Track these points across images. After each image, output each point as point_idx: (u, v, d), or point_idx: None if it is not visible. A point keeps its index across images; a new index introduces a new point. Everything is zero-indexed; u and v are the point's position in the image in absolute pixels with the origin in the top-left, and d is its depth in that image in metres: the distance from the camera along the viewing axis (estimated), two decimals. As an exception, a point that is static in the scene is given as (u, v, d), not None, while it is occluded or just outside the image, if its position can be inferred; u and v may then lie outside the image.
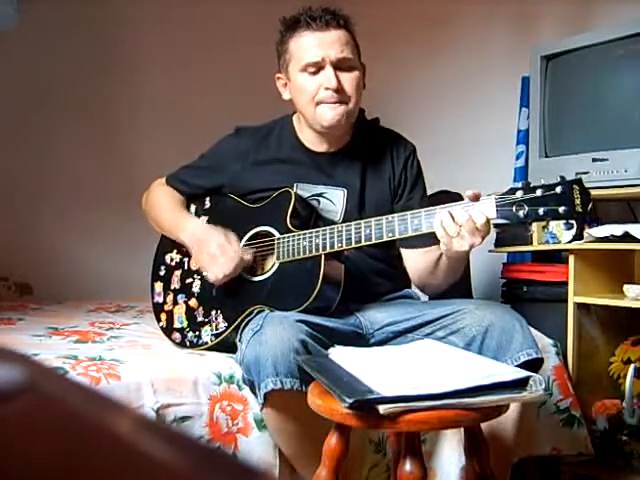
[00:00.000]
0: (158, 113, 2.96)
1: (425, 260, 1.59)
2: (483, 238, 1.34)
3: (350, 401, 1.04)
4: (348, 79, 1.58)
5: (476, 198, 1.33)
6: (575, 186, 1.26)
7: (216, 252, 1.59)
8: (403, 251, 1.67)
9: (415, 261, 1.64)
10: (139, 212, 1.90)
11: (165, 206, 1.79)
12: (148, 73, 2.96)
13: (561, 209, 1.26)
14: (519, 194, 1.29)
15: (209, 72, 3.02)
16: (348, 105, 1.59)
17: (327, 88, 1.56)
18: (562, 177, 1.28)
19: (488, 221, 1.32)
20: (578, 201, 1.26)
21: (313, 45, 1.57)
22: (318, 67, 1.57)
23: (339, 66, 1.57)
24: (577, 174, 1.91)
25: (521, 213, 1.28)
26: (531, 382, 1.12)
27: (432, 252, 1.56)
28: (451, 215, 1.33)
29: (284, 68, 1.65)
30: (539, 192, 1.27)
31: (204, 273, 1.66)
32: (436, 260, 1.55)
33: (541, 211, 1.27)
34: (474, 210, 1.32)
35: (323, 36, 1.57)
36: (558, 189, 1.26)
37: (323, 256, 1.50)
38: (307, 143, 1.69)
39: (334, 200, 1.66)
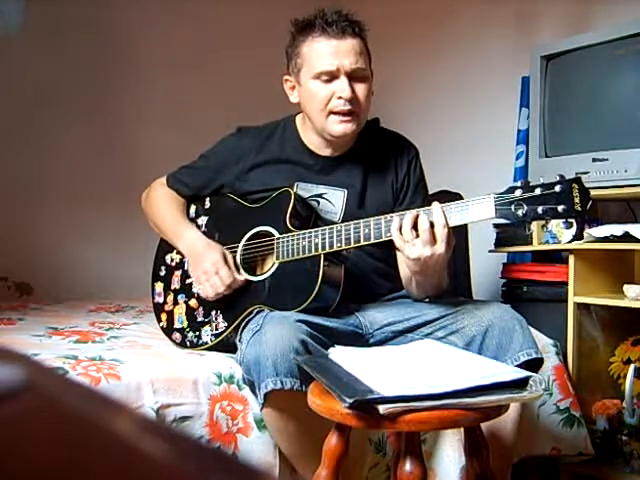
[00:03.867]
0: (159, 113, 2.96)
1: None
2: (433, 252, 1.34)
3: (350, 401, 1.04)
4: (361, 89, 1.57)
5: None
6: (574, 185, 1.26)
7: (210, 270, 1.61)
8: (398, 253, 1.66)
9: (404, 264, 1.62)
10: (139, 212, 1.90)
11: (165, 211, 1.79)
12: (149, 73, 2.96)
13: (560, 208, 1.26)
14: (518, 193, 1.29)
15: (210, 73, 3.02)
16: (359, 117, 1.59)
17: (340, 97, 1.55)
18: (561, 176, 1.28)
19: (448, 231, 1.34)
20: (577, 200, 1.26)
21: (328, 53, 1.55)
22: (332, 76, 1.56)
23: (353, 76, 1.56)
24: (577, 174, 1.90)
25: (520, 212, 1.28)
26: (531, 382, 1.12)
27: None
28: (414, 221, 1.34)
29: (294, 72, 1.63)
30: (538, 191, 1.27)
31: (195, 288, 1.69)
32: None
33: (540, 210, 1.27)
34: (435, 218, 1.34)
35: (339, 44, 1.55)
36: (557, 188, 1.26)
37: (322, 256, 1.50)
38: (311, 146, 1.69)
39: (334, 201, 1.66)
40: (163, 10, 2.97)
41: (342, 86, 1.55)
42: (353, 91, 1.55)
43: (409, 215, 1.36)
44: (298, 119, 1.73)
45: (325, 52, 1.55)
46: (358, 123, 1.60)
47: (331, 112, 1.57)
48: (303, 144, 1.70)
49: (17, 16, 2.30)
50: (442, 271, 1.49)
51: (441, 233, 1.34)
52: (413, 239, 1.35)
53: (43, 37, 2.71)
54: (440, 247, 1.34)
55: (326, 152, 1.68)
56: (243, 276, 1.62)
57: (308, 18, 1.59)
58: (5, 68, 2.68)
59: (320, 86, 1.57)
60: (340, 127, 1.58)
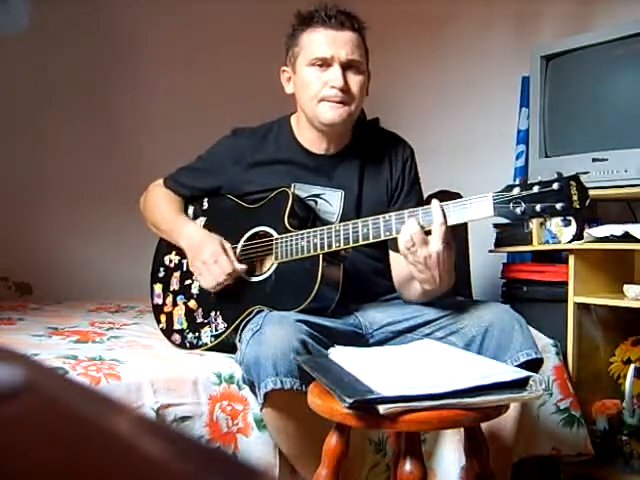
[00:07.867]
0: (159, 113, 2.96)
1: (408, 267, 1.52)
2: (430, 252, 1.34)
3: (350, 401, 1.04)
4: (354, 81, 1.58)
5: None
6: (572, 182, 1.26)
7: (209, 260, 1.60)
8: (392, 254, 1.65)
9: (400, 265, 1.56)
10: (139, 212, 1.90)
11: (163, 210, 1.79)
12: (149, 74, 2.96)
13: (558, 205, 1.25)
14: (516, 191, 1.29)
15: (210, 73, 3.02)
16: (350, 107, 1.59)
17: (333, 87, 1.56)
18: (559, 173, 1.27)
19: (446, 229, 1.33)
20: (576, 197, 1.25)
21: (325, 42, 1.57)
22: (326, 64, 1.57)
23: (347, 67, 1.57)
24: (577, 174, 1.91)
25: (518, 210, 1.28)
26: (531, 382, 1.12)
27: None
28: (419, 225, 1.34)
29: (291, 61, 1.65)
30: (536, 189, 1.27)
31: (197, 279, 1.68)
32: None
33: (538, 208, 1.27)
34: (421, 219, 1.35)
35: (336, 34, 1.57)
36: (555, 185, 1.26)
37: (321, 256, 1.50)
38: (306, 144, 1.69)
39: (331, 202, 1.66)
40: (163, 10, 2.97)
41: (335, 75, 1.56)
42: (346, 82, 1.56)
43: (405, 226, 1.36)
44: (293, 119, 1.73)
45: (322, 41, 1.57)
46: (349, 112, 1.59)
47: (322, 99, 1.58)
48: (298, 143, 1.70)
49: (24, 14, 2.31)
50: (445, 274, 1.40)
51: (438, 231, 1.34)
52: (413, 245, 1.35)
53: (43, 37, 2.71)
54: (436, 245, 1.34)
55: (321, 148, 1.68)
56: (243, 264, 1.61)
57: (310, 11, 1.61)
58: (5, 68, 2.68)
59: (314, 74, 1.58)
60: (330, 113, 1.58)
